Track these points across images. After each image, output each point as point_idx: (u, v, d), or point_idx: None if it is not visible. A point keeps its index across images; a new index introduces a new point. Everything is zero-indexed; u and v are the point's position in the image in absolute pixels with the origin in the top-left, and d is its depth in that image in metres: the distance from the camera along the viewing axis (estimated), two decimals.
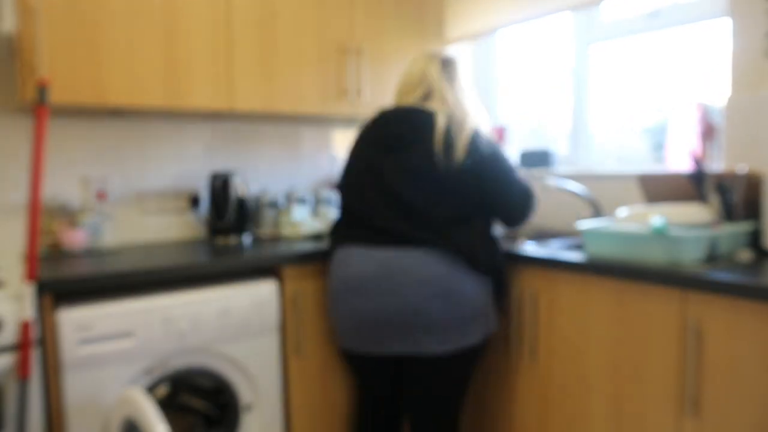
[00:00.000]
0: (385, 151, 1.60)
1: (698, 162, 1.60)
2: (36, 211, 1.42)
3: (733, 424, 1.27)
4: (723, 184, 1.58)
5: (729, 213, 1.56)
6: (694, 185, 1.60)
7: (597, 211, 2.07)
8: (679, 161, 1.91)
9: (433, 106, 1.63)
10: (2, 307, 1.33)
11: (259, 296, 1.67)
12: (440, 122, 1.57)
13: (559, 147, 2.44)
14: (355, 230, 1.61)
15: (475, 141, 1.56)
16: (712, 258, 1.46)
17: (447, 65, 1.70)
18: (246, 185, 2.15)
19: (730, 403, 1.27)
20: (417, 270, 1.50)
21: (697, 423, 1.33)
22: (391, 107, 1.68)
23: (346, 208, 1.69)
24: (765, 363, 1.21)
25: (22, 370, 1.33)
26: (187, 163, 2.22)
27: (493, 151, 1.59)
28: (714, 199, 1.58)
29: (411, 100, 1.67)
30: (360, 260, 1.55)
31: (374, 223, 1.57)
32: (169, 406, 1.71)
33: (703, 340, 1.31)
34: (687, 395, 1.34)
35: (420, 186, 1.54)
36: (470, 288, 1.53)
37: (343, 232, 1.65)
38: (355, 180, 1.66)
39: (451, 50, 2.70)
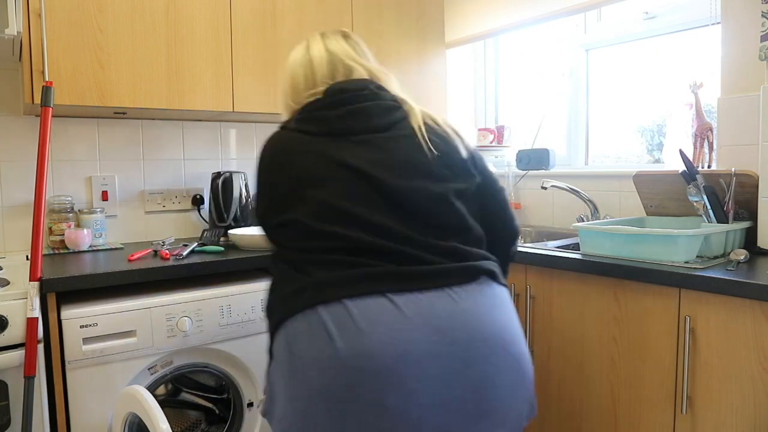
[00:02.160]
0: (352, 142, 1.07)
1: (688, 161, 1.61)
2: (40, 210, 1.45)
3: (726, 421, 1.28)
4: (709, 185, 1.59)
5: (718, 213, 1.57)
6: (686, 184, 1.61)
7: (594, 211, 2.08)
8: (676, 161, 1.92)
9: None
10: (8, 306, 1.36)
11: (260, 295, 1.69)
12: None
13: (557, 147, 2.45)
14: (353, 269, 0.96)
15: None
16: (707, 257, 1.47)
17: (349, 38, 1.27)
18: (248, 185, 2.17)
19: (724, 400, 1.29)
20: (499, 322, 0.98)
21: (690, 419, 1.35)
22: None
23: (314, 234, 1.00)
24: (758, 361, 1.23)
25: (27, 368, 1.35)
26: (190, 163, 2.24)
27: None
28: (703, 198, 1.60)
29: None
30: (392, 320, 0.90)
31: (389, 248, 0.98)
32: (171, 403, 1.73)
33: (697, 337, 1.32)
34: (681, 392, 1.35)
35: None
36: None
37: (320, 277, 0.96)
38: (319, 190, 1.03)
39: (451, 52, 2.72)
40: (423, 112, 1.16)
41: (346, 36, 1.27)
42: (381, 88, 1.18)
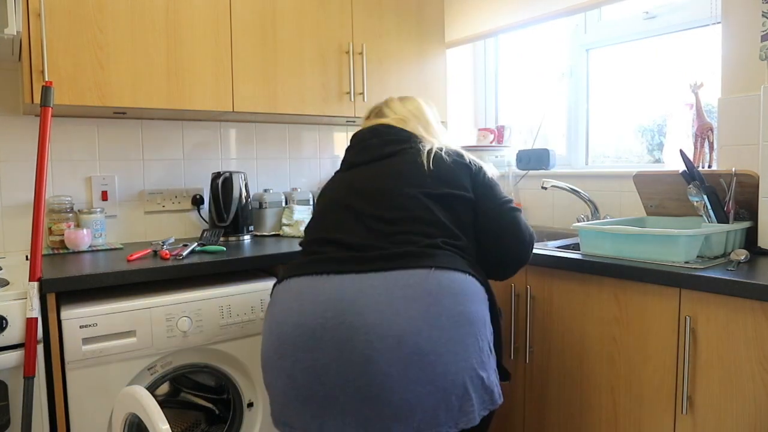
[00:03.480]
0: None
1: (688, 161, 1.61)
2: (40, 210, 1.44)
3: (727, 421, 1.28)
4: (709, 185, 1.59)
5: (719, 213, 1.57)
6: (686, 184, 1.61)
7: (594, 211, 2.08)
8: (676, 161, 1.92)
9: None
10: (7, 306, 1.36)
11: (260, 295, 1.69)
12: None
13: (557, 147, 2.45)
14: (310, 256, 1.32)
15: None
16: (707, 257, 1.47)
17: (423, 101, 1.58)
18: (247, 185, 2.17)
19: (724, 401, 1.28)
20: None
21: (691, 419, 1.35)
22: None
23: None
24: (758, 361, 1.22)
25: (27, 368, 1.35)
26: (189, 163, 2.24)
27: None
28: (704, 198, 1.59)
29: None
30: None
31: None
32: (171, 403, 1.73)
33: (698, 338, 1.32)
34: (681, 392, 1.35)
35: None
36: None
37: None
38: None
39: (451, 52, 2.72)
40: (440, 146, 1.38)
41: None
42: (391, 127, 1.43)
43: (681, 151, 1.64)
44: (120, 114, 1.97)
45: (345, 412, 1.07)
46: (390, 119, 1.46)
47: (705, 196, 1.58)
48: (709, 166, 1.83)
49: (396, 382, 1.05)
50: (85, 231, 1.87)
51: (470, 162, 1.37)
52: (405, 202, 1.26)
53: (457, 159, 1.36)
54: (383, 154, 1.38)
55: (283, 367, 1.14)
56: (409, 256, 1.17)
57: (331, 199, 1.37)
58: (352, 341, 1.07)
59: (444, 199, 1.28)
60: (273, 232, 2.24)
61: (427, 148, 1.37)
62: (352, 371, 1.07)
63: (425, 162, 1.32)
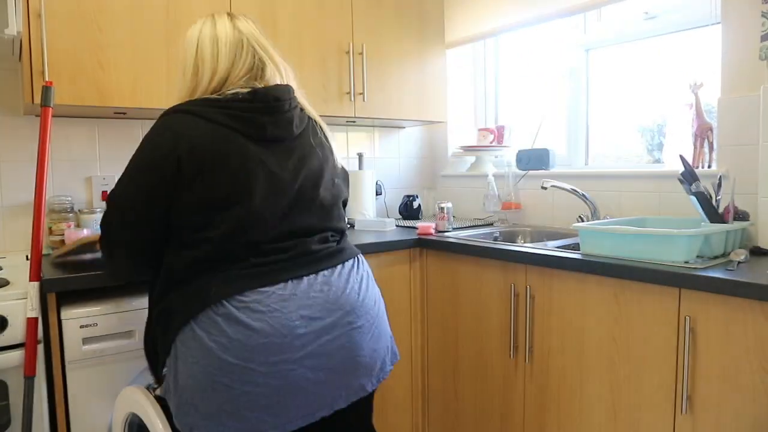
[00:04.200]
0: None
1: (688, 165, 1.61)
2: (40, 211, 1.45)
3: (726, 421, 1.28)
4: (699, 191, 1.59)
5: (711, 216, 1.57)
6: (685, 185, 1.61)
7: (594, 211, 2.08)
8: (676, 161, 1.92)
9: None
10: (7, 306, 1.36)
11: None
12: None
13: (557, 147, 2.45)
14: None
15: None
16: (707, 257, 1.47)
17: (248, 19, 1.35)
18: None
19: (724, 401, 1.29)
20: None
21: (690, 420, 1.35)
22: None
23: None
24: (758, 361, 1.23)
25: (27, 368, 1.36)
26: None
27: None
28: (694, 202, 1.60)
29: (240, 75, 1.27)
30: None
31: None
32: None
33: (697, 337, 1.32)
34: (681, 392, 1.35)
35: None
36: None
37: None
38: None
39: (451, 52, 2.72)
40: (316, 117, 1.37)
41: (244, 17, 1.34)
42: (293, 91, 1.31)
43: (681, 156, 1.64)
44: (120, 114, 1.97)
45: None
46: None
47: (693, 197, 1.58)
48: (709, 166, 1.83)
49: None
50: (85, 231, 1.87)
51: None
52: None
53: None
54: None
55: None
56: None
57: None
58: None
59: None
60: None
61: None
62: None
63: None
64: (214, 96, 1.23)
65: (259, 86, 1.25)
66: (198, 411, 1.09)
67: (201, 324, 1.09)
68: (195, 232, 1.15)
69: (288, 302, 1.13)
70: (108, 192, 2.03)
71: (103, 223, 1.22)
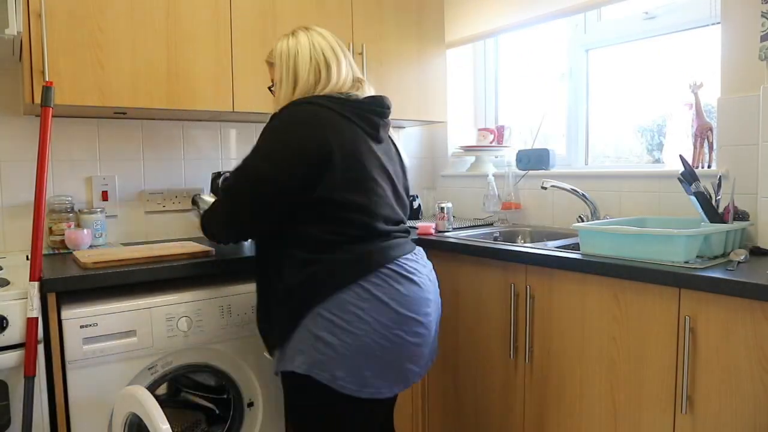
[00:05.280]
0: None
1: (688, 165, 1.62)
2: (40, 211, 1.45)
3: (726, 421, 1.28)
4: (699, 191, 1.59)
5: (711, 215, 1.57)
6: (685, 185, 1.61)
7: (594, 211, 2.09)
8: (676, 161, 1.92)
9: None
10: (8, 306, 1.36)
11: None
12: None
13: (557, 147, 2.45)
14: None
15: None
16: (707, 257, 1.47)
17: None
18: None
19: (724, 400, 1.29)
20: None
21: (690, 419, 1.35)
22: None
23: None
24: (758, 361, 1.23)
25: (27, 368, 1.36)
26: (190, 163, 2.24)
27: None
28: (694, 203, 1.60)
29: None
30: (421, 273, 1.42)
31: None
32: (171, 403, 1.73)
33: (697, 337, 1.32)
34: (681, 392, 1.35)
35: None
36: None
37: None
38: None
39: (451, 52, 2.72)
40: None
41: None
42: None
43: (681, 157, 1.64)
44: (120, 114, 1.97)
45: None
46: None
47: (693, 197, 1.58)
48: (709, 166, 1.83)
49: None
50: (85, 231, 1.87)
51: None
52: None
53: None
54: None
55: None
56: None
57: None
58: None
59: None
60: None
61: None
62: None
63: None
64: (338, 95, 1.41)
65: (361, 95, 1.45)
66: (368, 366, 1.27)
67: (371, 283, 1.29)
68: (339, 209, 1.31)
69: (420, 267, 1.40)
70: (107, 192, 2.05)
71: (234, 192, 1.38)
